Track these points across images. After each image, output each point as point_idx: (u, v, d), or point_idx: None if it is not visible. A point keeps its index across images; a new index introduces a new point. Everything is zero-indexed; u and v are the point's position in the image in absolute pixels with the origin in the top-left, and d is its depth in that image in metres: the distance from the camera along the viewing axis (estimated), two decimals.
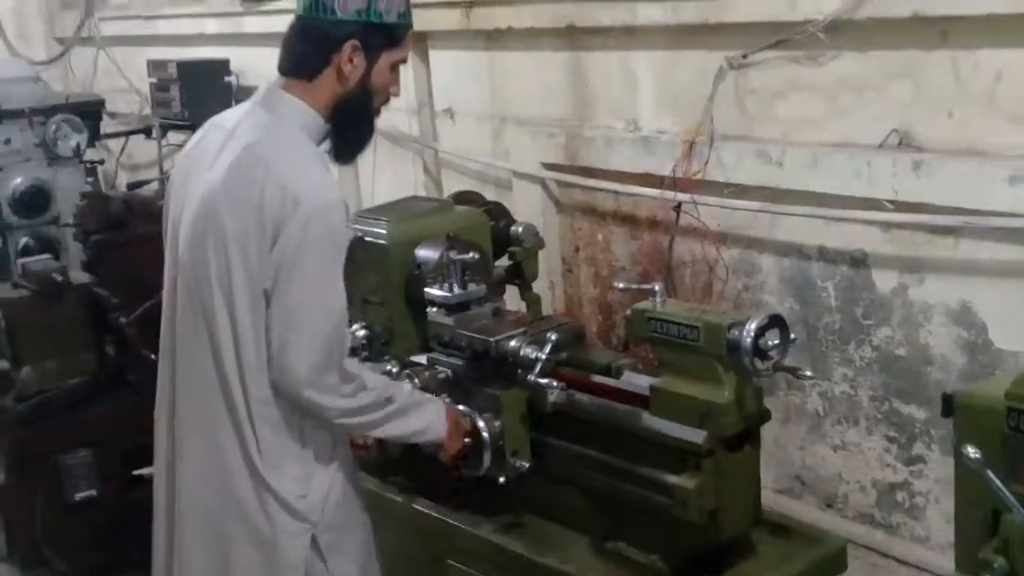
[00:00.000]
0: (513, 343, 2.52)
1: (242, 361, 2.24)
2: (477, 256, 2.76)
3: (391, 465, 2.89)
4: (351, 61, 2.27)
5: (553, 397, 2.47)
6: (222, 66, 5.53)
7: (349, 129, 2.37)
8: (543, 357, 2.45)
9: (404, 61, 2.40)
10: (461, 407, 2.56)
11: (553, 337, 2.49)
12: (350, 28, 2.26)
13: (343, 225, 2.24)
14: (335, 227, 2.22)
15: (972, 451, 1.70)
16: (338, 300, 2.24)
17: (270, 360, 2.22)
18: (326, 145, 2.38)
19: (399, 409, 2.37)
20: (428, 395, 2.53)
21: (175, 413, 2.38)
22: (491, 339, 2.55)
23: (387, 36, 2.30)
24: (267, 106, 2.32)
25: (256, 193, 2.18)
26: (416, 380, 2.60)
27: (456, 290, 2.71)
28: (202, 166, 2.31)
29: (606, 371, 2.54)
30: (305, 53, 2.30)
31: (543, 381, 2.44)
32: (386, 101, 2.40)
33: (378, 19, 2.27)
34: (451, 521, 2.71)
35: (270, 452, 2.28)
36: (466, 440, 2.52)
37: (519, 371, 2.51)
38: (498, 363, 2.55)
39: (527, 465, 2.53)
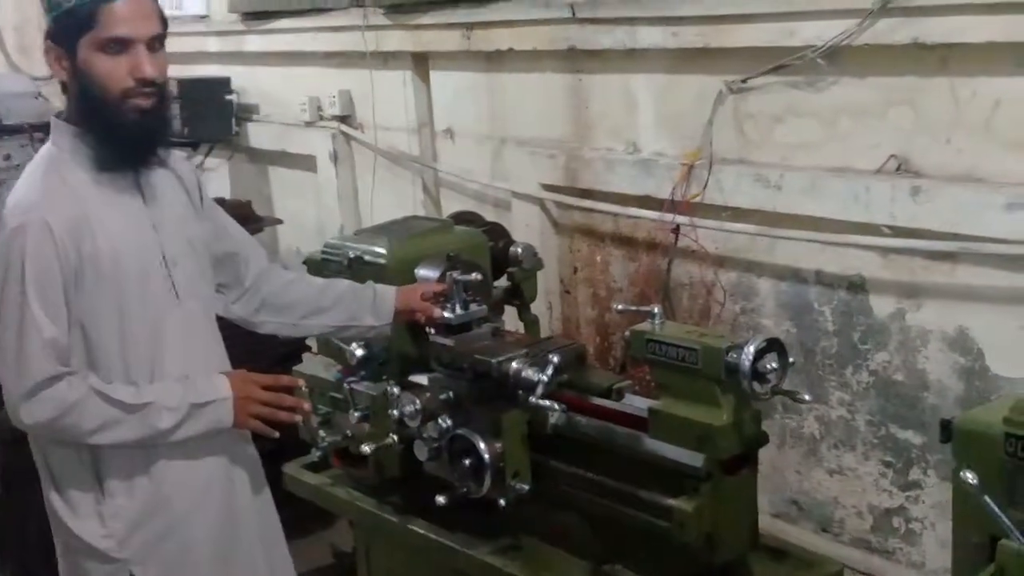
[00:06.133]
0: (515, 364, 2.50)
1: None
2: (480, 277, 2.76)
3: (388, 485, 2.89)
4: (58, 63, 2.18)
5: (554, 419, 2.47)
6: (223, 84, 5.53)
7: (92, 131, 2.21)
8: (545, 379, 2.44)
9: (123, 40, 2.13)
10: None
11: (555, 359, 2.47)
12: (47, 32, 2.19)
13: (22, 245, 2.10)
14: (11, 250, 2.11)
15: (970, 476, 1.70)
16: (30, 325, 2.09)
17: None
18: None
19: (163, 410, 2.19)
20: (208, 390, 2.28)
21: None
22: (492, 360, 2.53)
23: (75, 22, 2.13)
24: (50, 138, 2.27)
25: None
26: (417, 401, 2.59)
27: (458, 311, 2.70)
28: None
29: (607, 394, 2.54)
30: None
31: (544, 403, 2.43)
32: (137, 88, 2.16)
33: (59, 9, 2.15)
34: (448, 543, 2.70)
35: (70, 491, 2.25)
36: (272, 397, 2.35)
37: (520, 392, 2.49)
38: (499, 384, 2.53)
39: (527, 487, 2.51)
